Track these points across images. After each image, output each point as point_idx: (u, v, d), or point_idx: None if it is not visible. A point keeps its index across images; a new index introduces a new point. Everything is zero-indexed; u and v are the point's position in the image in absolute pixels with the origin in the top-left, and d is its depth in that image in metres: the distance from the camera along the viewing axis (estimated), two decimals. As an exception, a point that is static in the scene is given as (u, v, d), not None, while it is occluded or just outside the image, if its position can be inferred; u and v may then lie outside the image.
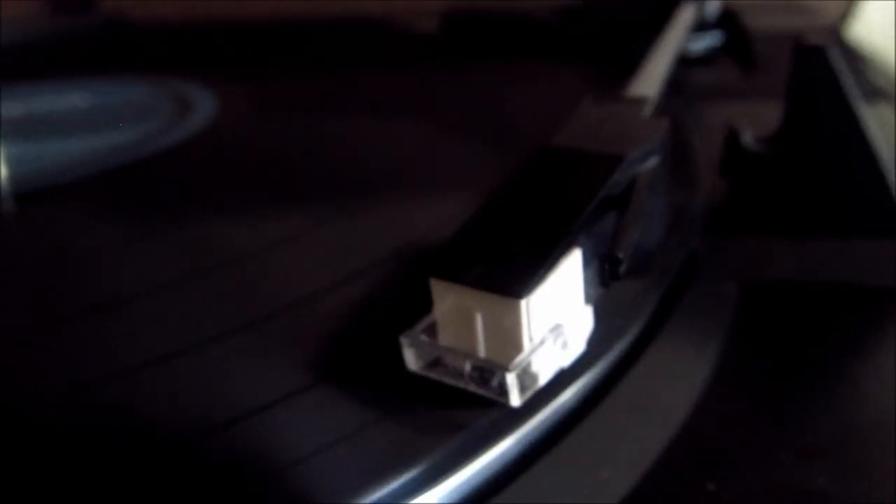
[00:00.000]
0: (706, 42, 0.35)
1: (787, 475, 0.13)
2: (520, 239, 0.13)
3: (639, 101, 0.18)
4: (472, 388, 0.13)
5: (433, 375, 0.13)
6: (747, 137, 0.19)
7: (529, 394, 0.13)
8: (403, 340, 0.13)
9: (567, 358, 0.13)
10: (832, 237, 0.18)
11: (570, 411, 0.14)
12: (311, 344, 0.16)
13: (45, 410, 0.14)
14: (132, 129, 0.30)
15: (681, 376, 0.15)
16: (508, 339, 0.12)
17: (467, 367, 0.13)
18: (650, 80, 0.21)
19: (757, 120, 0.25)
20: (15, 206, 0.25)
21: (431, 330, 0.13)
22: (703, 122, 0.28)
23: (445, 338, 0.13)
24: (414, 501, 0.12)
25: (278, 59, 0.42)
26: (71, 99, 0.36)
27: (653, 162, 0.15)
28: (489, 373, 0.13)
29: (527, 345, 0.12)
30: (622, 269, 0.12)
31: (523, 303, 0.12)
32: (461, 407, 0.13)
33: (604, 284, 0.14)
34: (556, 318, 0.13)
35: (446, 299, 0.13)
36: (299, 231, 0.20)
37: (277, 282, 0.18)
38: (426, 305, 0.14)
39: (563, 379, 0.13)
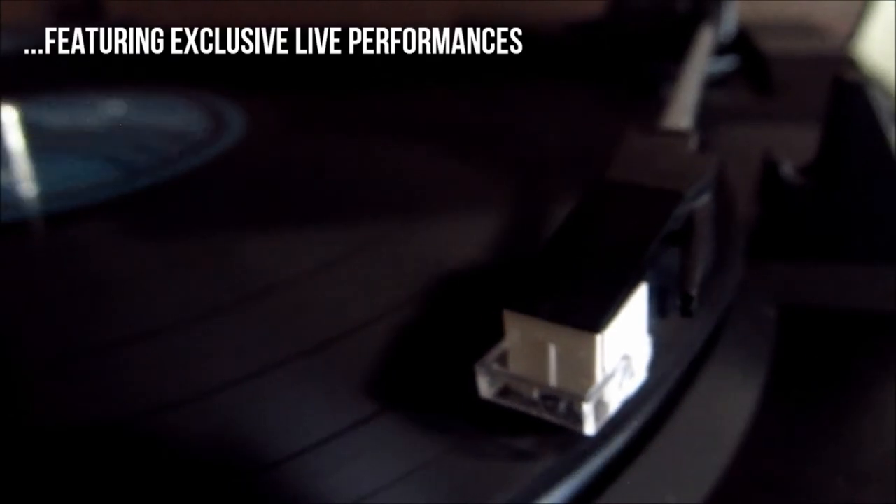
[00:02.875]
0: (722, 65, 0.36)
1: (844, 499, 0.14)
2: (588, 272, 0.14)
3: (683, 134, 0.18)
4: (546, 416, 0.13)
5: (505, 403, 0.14)
6: (786, 168, 0.19)
7: (602, 422, 0.13)
8: (478, 369, 0.14)
9: (633, 386, 0.14)
10: (867, 264, 0.19)
11: (635, 439, 0.14)
12: (361, 373, 0.16)
13: (75, 444, 0.14)
14: (161, 144, 0.30)
15: (732, 401, 0.16)
16: (582, 370, 0.13)
17: (537, 395, 0.14)
18: (683, 110, 0.22)
19: (779, 141, 0.26)
20: (43, 227, 0.25)
21: (503, 359, 0.14)
22: (726, 145, 0.28)
23: (516, 367, 0.14)
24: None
25: (297, 71, 0.42)
26: (94, 112, 0.36)
27: (706, 197, 0.16)
28: (560, 401, 0.13)
29: (599, 375, 0.13)
30: (694, 305, 0.13)
31: (599, 337, 0.13)
32: (523, 437, 0.14)
33: (662, 315, 0.15)
34: (625, 348, 0.14)
35: (518, 330, 0.14)
36: (343, 254, 0.21)
37: (324, 308, 0.19)
38: (479, 331, 0.14)
39: (628, 407, 0.14)
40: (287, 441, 0.14)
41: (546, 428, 0.14)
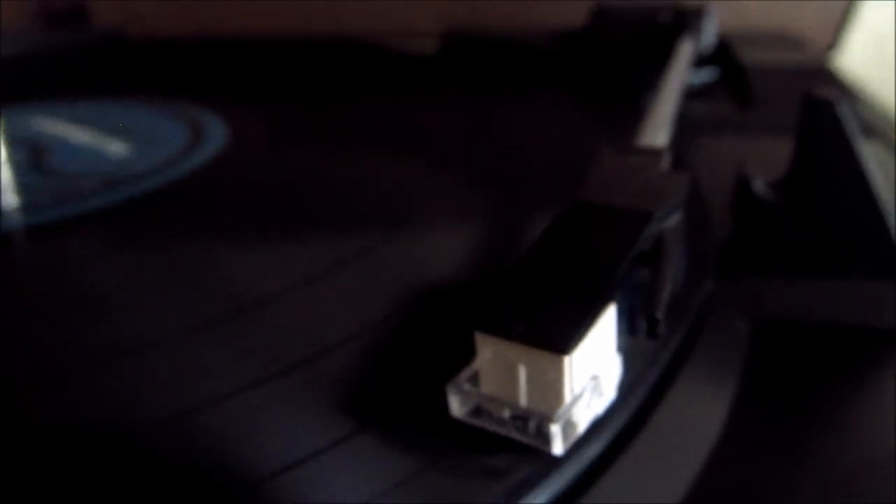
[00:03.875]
0: (702, 76, 0.36)
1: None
2: (558, 293, 0.14)
3: (655, 153, 0.19)
4: (516, 435, 0.14)
5: (476, 423, 0.14)
6: (758, 185, 0.20)
7: (570, 442, 0.13)
8: (450, 389, 0.14)
9: (601, 405, 0.14)
10: (837, 279, 0.19)
11: (604, 454, 0.14)
12: (335, 392, 0.16)
13: (55, 461, 0.14)
14: (142, 156, 0.30)
15: (703, 413, 0.16)
16: (551, 390, 0.13)
17: (508, 415, 0.14)
18: (660, 124, 0.22)
19: (757, 154, 0.26)
20: (25, 240, 0.25)
21: (474, 379, 0.14)
22: (705, 157, 0.29)
23: (487, 386, 0.14)
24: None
25: (281, 80, 0.42)
26: (78, 122, 0.36)
27: (676, 217, 0.16)
28: (530, 421, 0.14)
29: (568, 396, 0.13)
30: (661, 328, 0.13)
31: (567, 359, 0.13)
32: (495, 454, 0.14)
33: (631, 333, 0.15)
34: (594, 368, 0.14)
35: (489, 351, 0.14)
36: (319, 272, 0.21)
37: (298, 326, 0.19)
38: (452, 348, 0.14)
39: (596, 425, 0.14)
40: (262, 460, 0.14)
41: (518, 444, 0.14)
